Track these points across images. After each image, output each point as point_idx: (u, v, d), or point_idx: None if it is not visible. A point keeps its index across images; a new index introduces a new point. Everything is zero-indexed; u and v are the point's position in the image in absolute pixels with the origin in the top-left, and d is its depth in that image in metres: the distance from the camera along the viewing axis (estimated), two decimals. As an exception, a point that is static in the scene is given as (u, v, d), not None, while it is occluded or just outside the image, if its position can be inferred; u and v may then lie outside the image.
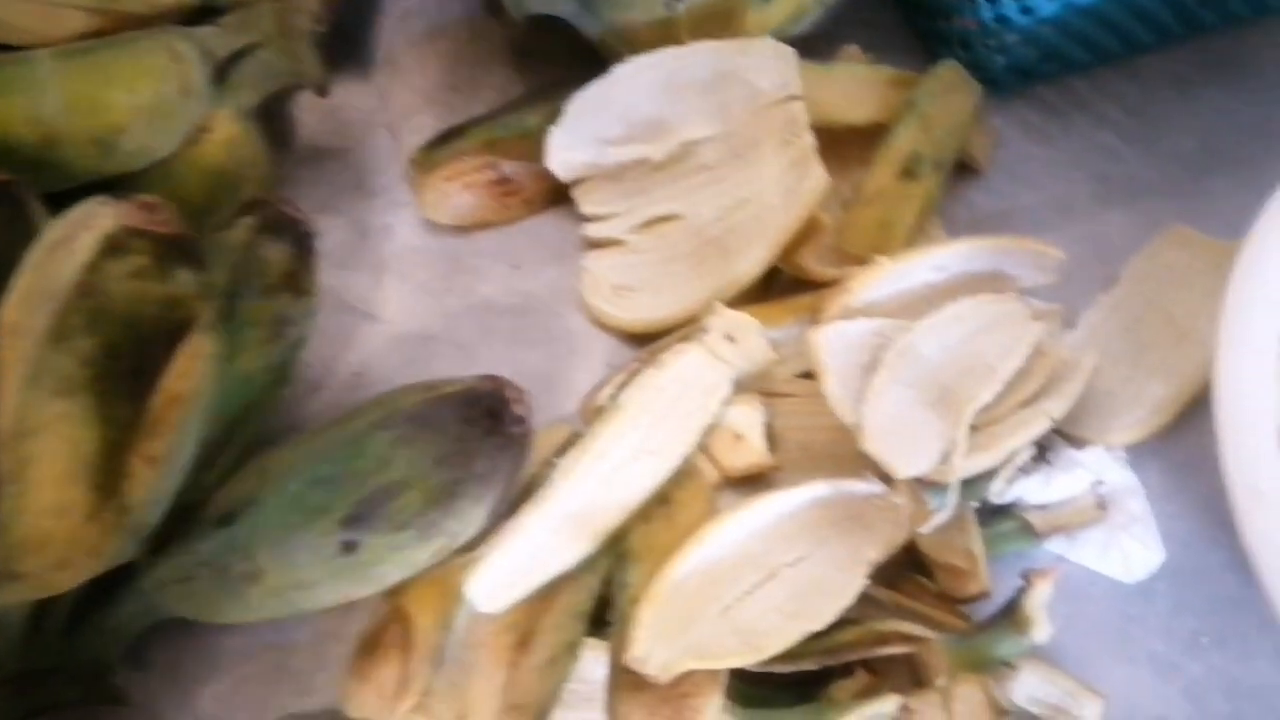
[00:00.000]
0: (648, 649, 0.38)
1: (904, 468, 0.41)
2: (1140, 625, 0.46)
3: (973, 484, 0.44)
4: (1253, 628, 0.45)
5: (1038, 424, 0.44)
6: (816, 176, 0.47)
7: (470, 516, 0.40)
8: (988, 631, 0.41)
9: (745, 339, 0.44)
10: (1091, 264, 0.52)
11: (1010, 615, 0.41)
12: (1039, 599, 0.40)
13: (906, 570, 0.44)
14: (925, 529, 0.41)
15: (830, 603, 0.40)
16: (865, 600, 0.42)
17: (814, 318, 0.44)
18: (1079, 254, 0.53)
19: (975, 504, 0.45)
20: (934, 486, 0.42)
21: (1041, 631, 0.40)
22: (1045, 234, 0.53)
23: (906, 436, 0.42)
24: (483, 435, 0.39)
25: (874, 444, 0.41)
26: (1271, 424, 0.38)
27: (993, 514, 0.46)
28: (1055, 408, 0.45)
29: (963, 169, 0.54)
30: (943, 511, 0.41)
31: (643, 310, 0.49)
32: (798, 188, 0.47)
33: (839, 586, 0.41)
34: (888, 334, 0.45)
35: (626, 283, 0.50)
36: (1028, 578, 0.41)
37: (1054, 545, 0.46)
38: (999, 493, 0.45)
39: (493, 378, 0.40)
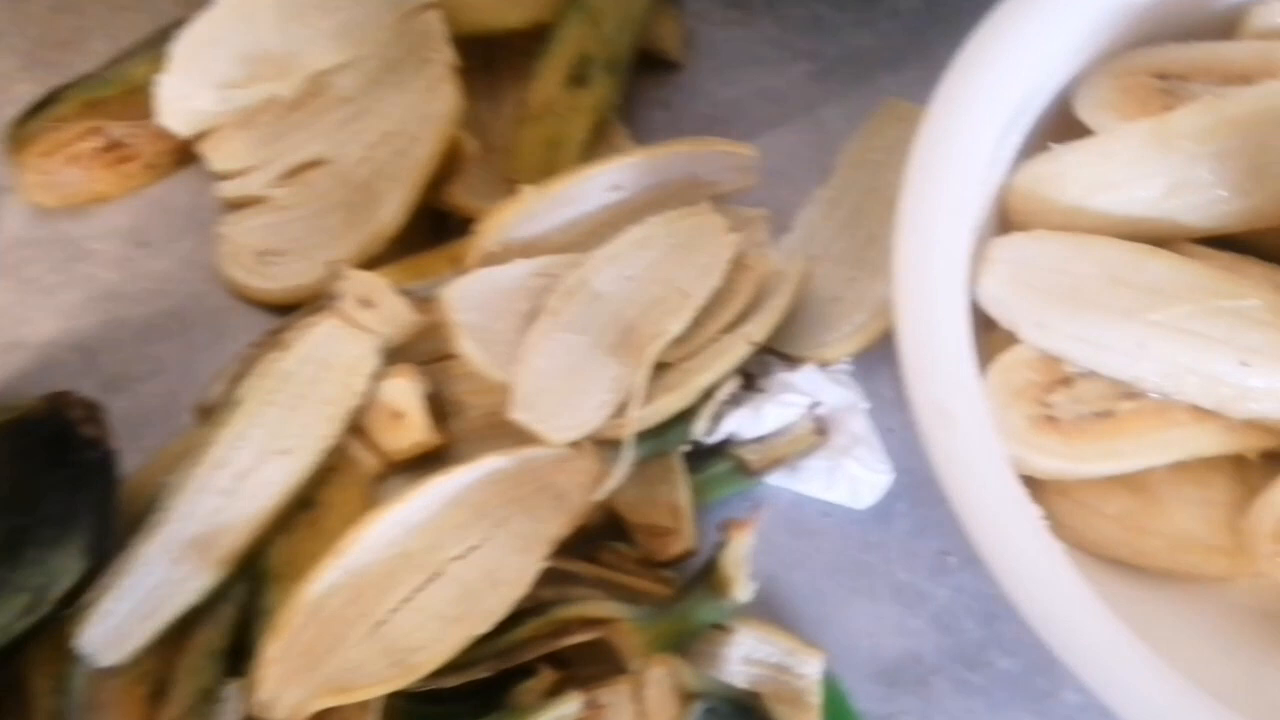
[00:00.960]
0: (274, 691, 0.32)
1: (558, 432, 0.35)
2: (880, 553, 0.41)
3: (671, 429, 0.39)
4: (1006, 535, 0.42)
5: (736, 351, 0.39)
6: (446, 97, 0.40)
7: (55, 565, 0.33)
8: (685, 598, 0.36)
9: (383, 301, 0.38)
10: (811, 154, 0.47)
11: (707, 576, 0.36)
12: (737, 554, 0.35)
13: (607, 537, 0.39)
14: (598, 493, 0.36)
15: (500, 597, 0.35)
16: (558, 579, 0.37)
17: (457, 266, 0.38)
18: (795, 144, 0.47)
19: (686, 448, 0.40)
20: (613, 444, 0.37)
21: (742, 590, 0.35)
22: (758, 126, 0.47)
23: (571, 392, 0.36)
24: (45, 468, 0.33)
25: (523, 409, 0.35)
26: (960, 336, 0.33)
27: (706, 456, 0.40)
28: (755, 330, 0.39)
29: (655, 65, 0.47)
30: (616, 471, 0.36)
31: (294, 277, 0.42)
32: (431, 113, 0.40)
33: (514, 575, 0.35)
34: (555, 272, 0.39)
35: (273, 246, 0.43)
36: (724, 530, 0.36)
37: (778, 480, 0.41)
38: (707, 432, 0.40)
39: (55, 396, 0.33)
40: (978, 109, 0.36)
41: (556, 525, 0.36)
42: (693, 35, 0.48)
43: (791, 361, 0.42)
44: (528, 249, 0.39)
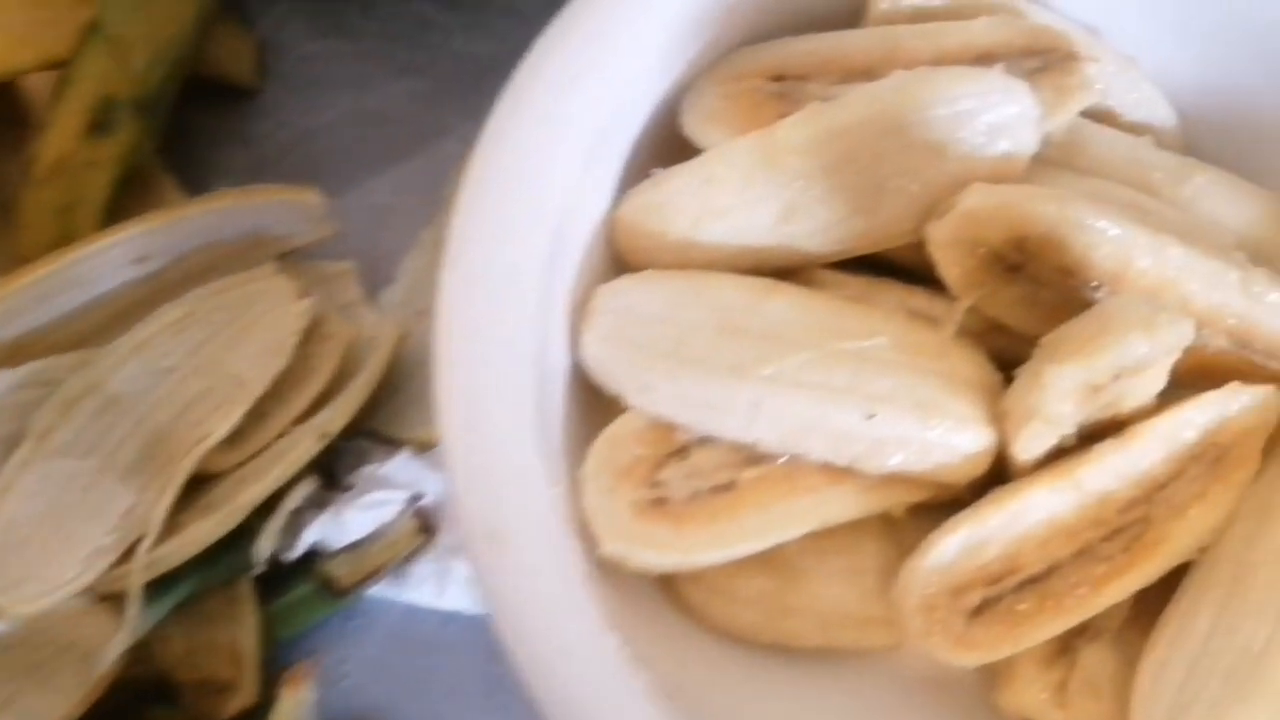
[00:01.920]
0: None
1: (22, 601, 0.28)
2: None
3: (226, 555, 0.32)
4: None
5: (304, 447, 0.33)
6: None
7: None
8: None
9: None
10: (422, 187, 0.40)
11: (264, 745, 0.29)
12: (291, 715, 0.29)
13: (147, 702, 0.32)
14: (105, 659, 0.29)
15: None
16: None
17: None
18: (403, 176, 0.41)
19: (258, 571, 0.33)
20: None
21: (305, 755, 0.29)
22: (358, 157, 0.41)
23: (54, 542, 0.29)
24: None
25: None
26: (523, 430, 0.27)
27: (290, 578, 0.34)
28: (331, 418, 0.33)
29: (226, 93, 0.40)
30: (123, 634, 0.29)
31: None
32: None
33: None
34: (53, 379, 0.31)
35: None
36: (281, 683, 0.29)
37: (383, 591, 0.35)
38: (282, 549, 0.33)
39: None
40: (543, 135, 0.30)
41: (77, 698, 0.29)
42: (273, 53, 0.41)
43: (391, 445, 0.35)
44: (15, 353, 0.31)
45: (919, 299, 0.33)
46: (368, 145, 0.40)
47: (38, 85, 0.38)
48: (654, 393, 0.31)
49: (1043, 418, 0.28)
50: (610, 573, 0.30)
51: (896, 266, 0.34)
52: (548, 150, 0.30)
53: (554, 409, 0.31)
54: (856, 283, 0.34)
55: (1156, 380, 0.30)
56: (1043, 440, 0.29)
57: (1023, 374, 0.30)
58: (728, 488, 0.31)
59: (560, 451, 0.31)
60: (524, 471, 0.27)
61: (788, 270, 0.33)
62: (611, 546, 0.30)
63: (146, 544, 0.29)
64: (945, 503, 0.32)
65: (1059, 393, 0.28)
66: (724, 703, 0.31)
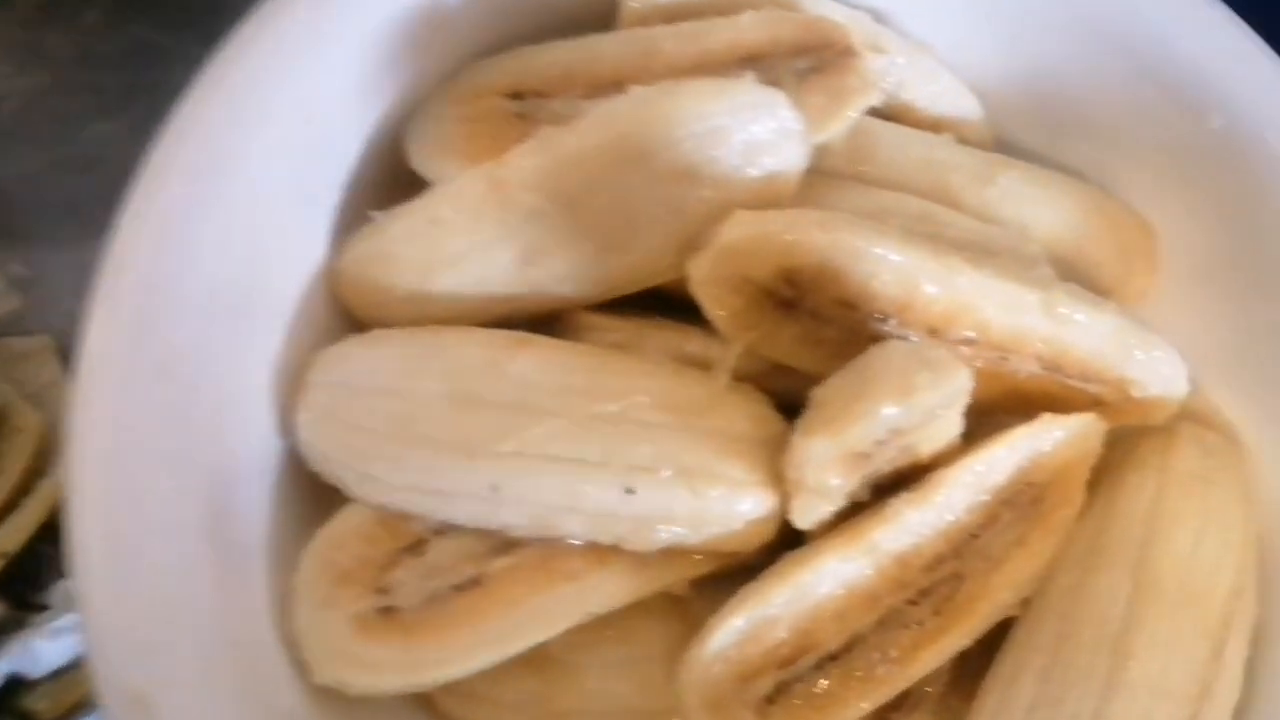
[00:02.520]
0: None
1: None
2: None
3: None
4: None
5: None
6: None
7: None
8: None
9: None
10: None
11: None
12: None
13: None
14: None
15: None
16: None
17: None
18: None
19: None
20: None
21: None
22: (64, 211, 0.35)
23: None
24: None
25: None
26: (180, 564, 0.22)
27: (-14, 712, 0.29)
28: (8, 537, 0.28)
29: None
30: None
31: None
32: None
33: None
34: None
35: None
36: None
37: (99, 721, 0.30)
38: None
39: None
40: (207, 174, 0.25)
41: None
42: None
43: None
44: None
45: (695, 341, 0.29)
46: (73, 195, 0.34)
47: None
48: (378, 481, 0.26)
49: (809, 490, 0.24)
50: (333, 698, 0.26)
51: (676, 300, 0.30)
52: (216, 191, 0.25)
53: (248, 513, 0.26)
54: (625, 327, 0.29)
55: (948, 428, 0.26)
56: (816, 511, 0.25)
57: (792, 438, 0.26)
58: (473, 584, 0.26)
59: (263, 560, 0.26)
60: (175, 616, 0.22)
61: (542, 319, 0.29)
62: (327, 674, 0.25)
63: None
64: (739, 570, 0.28)
65: (817, 466, 0.24)
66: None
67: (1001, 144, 0.34)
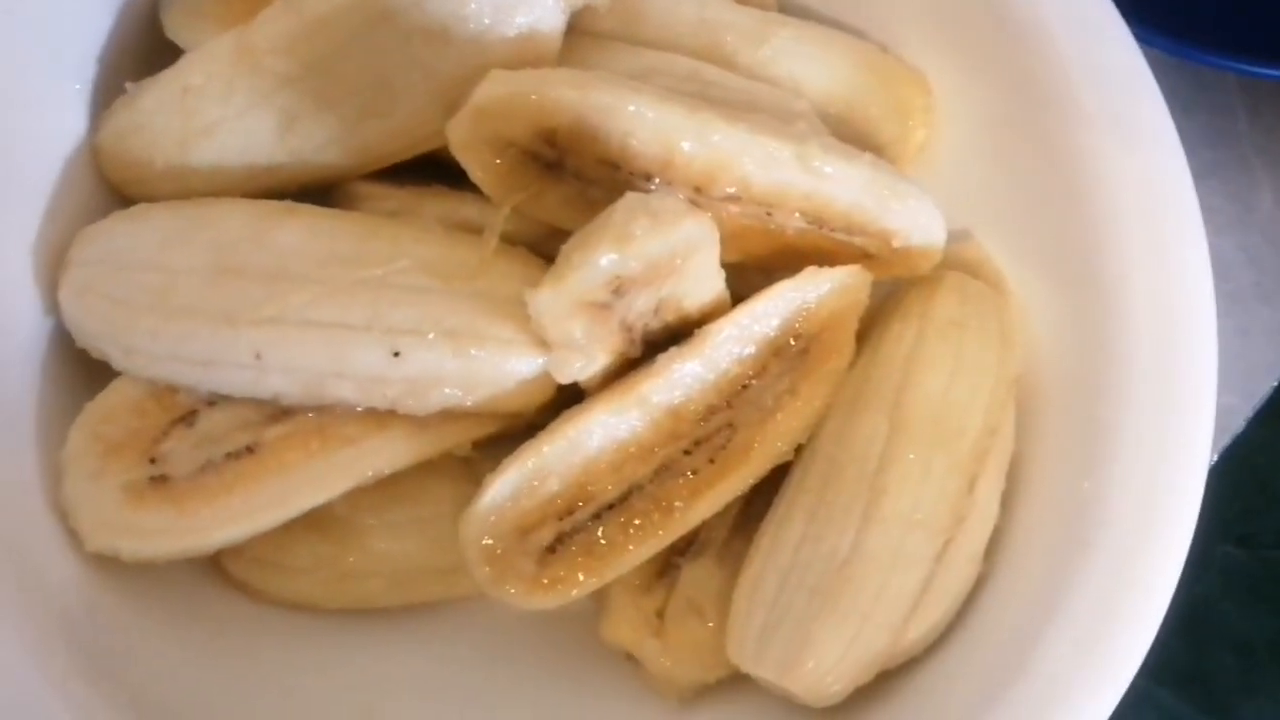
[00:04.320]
0: None
1: None
2: None
3: None
4: None
5: None
6: None
7: None
8: None
9: None
10: None
11: None
12: None
13: None
14: None
15: None
16: None
17: None
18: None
19: None
20: None
21: None
22: None
23: None
24: None
25: None
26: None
27: None
28: None
29: None
30: None
31: None
32: None
33: None
34: None
35: None
36: None
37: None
38: None
39: None
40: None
41: None
42: None
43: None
44: None
45: (469, 208, 0.29)
46: None
47: None
48: (142, 354, 0.26)
49: (557, 344, 0.25)
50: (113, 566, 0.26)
51: (454, 168, 0.30)
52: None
53: (17, 393, 0.26)
54: (399, 195, 0.29)
55: (705, 279, 0.27)
56: (571, 365, 0.26)
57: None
58: (247, 451, 0.27)
59: (32, 437, 0.26)
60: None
61: (320, 187, 0.29)
62: (98, 541, 0.25)
63: None
64: (524, 430, 0.29)
65: (552, 317, 0.24)
66: (280, 683, 0.28)
67: (785, 5, 0.34)
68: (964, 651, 0.28)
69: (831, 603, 0.27)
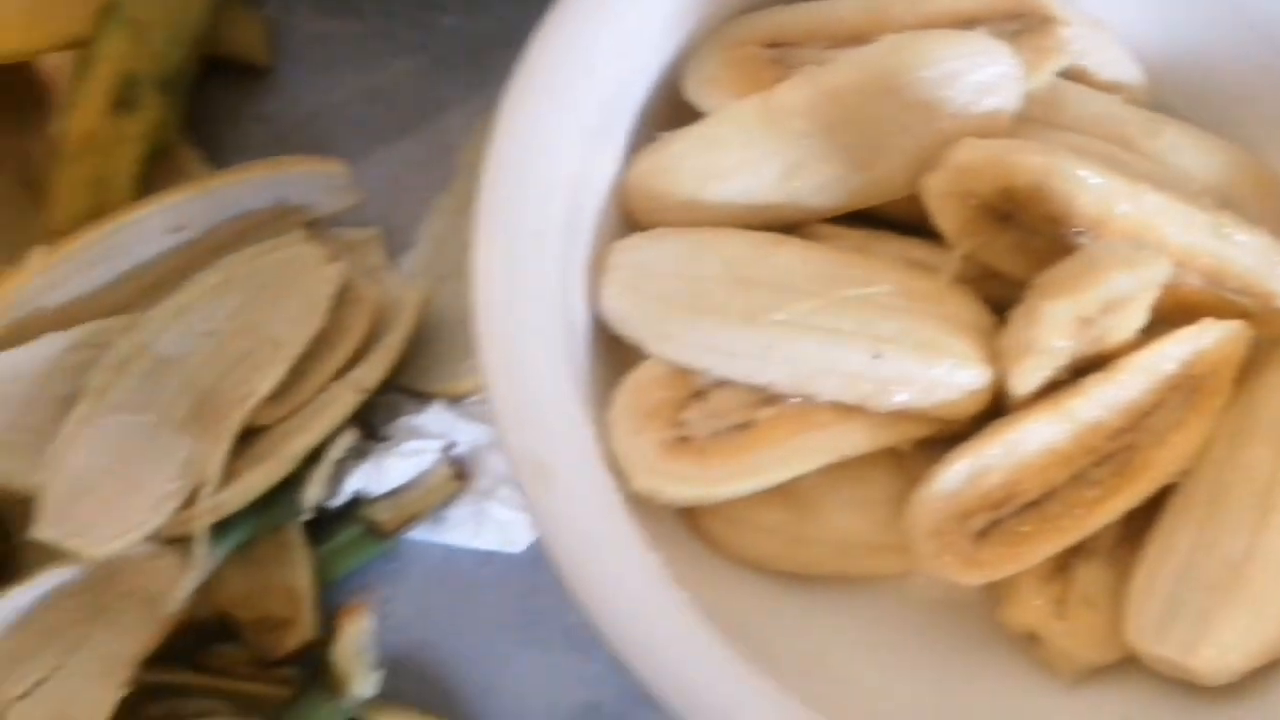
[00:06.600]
0: None
1: (97, 543, 0.30)
2: (546, 597, 0.37)
3: (276, 503, 0.33)
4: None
5: (344, 402, 0.34)
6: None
7: None
8: (300, 702, 0.31)
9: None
10: (431, 157, 0.42)
11: (322, 675, 0.31)
12: (350, 646, 0.31)
13: (218, 638, 0.33)
14: (174, 599, 0.30)
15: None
16: (167, 694, 0.31)
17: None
18: (412, 148, 0.42)
19: (307, 517, 0.35)
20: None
21: (362, 685, 0.31)
22: (370, 131, 0.42)
23: (122, 490, 0.30)
24: None
25: (51, 524, 0.29)
26: (559, 372, 0.29)
27: (336, 523, 0.35)
28: (367, 374, 0.35)
29: (241, 72, 0.41)
30: (190, 573, 0.31)
31: None
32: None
33: (91, 708, 0.30)
34: (103, 341, 0.33)
35: None
36: (333, 621, 0.31)
37: (422, 535, 0.36)
38: (327, 497, 0.35)
39: None
40: (553, 110, 0.32)
41: (145, 638, 0.31)
42: (283, 33, 0.42)
43: (422, 399, 0.37)
44: (64, 318, 0.33)
45: (917, 250, 0.36)
46: (376, 120, 0.41)
47: (55, 66, 0.39)
48: (673, 341, 0.33)
49: (1038, 351, 0.31)
50: (638, 507, 0.32)
51: (890, 222, 0.37)
52: (559, 124, 0.32)
53: (579, 357, 0.33)
54: (855, 235, 0.36)
55: (1138, 315, 0.32)
56: (1038, 373, 0.32)
57: (1017, 313, 0.32)
58: (746, 426, 0.33)
59: (587, 397, 0.33)
60: (562, 410, 0.29)
61: (790, 225, 0.36)
62: (642, 482, 0.32)
63: (208, 490, 0.31)
64: (948, 437, 0.35)
65: (1053, 327, 0.30)
66: (746, 624, 0.33)
67: (1159, 110, 0.40)
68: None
69: (1231, 596, 0.32)
